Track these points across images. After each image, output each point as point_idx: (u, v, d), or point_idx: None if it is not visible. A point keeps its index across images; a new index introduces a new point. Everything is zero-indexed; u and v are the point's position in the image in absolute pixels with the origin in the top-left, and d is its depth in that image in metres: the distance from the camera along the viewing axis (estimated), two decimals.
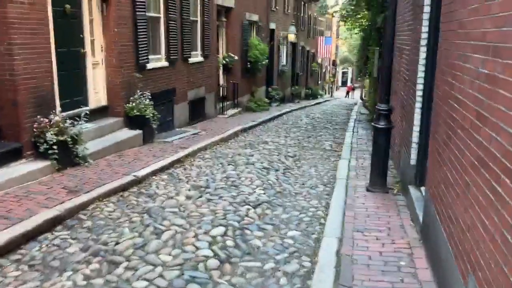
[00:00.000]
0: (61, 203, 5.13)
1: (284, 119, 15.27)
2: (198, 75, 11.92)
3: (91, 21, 7.91)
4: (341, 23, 36.40)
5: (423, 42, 5.03)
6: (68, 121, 6.55)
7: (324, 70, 42.24)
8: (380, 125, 5.68)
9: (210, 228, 4.68)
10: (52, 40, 6.77)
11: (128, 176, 6.39)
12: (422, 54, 5.04)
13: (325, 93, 41.49)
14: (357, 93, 43.79)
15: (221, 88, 14.04)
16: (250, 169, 7.23)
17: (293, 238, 4.56)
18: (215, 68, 13.16)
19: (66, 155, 6.43)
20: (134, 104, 8.51)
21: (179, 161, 7.68)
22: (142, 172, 6.65)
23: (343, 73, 59.93)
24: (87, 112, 7.03)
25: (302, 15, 28.15)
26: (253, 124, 12.72)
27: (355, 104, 26.35)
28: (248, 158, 8.04)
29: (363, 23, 14.51)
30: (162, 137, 9.43)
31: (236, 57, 14.59)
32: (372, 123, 5.85)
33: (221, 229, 4.65)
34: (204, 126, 11.46)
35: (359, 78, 35.53)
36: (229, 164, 7.57)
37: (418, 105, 5.19)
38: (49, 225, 4.70)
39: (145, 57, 9.01)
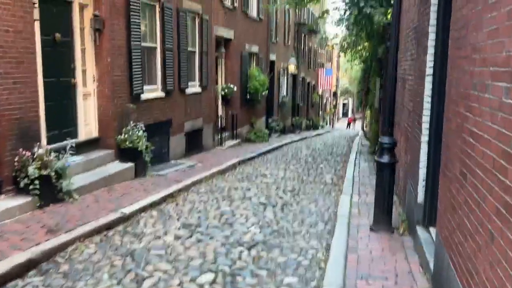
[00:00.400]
0: (37, 244, 4.67)
1: (284, 150, 14.88)
2: (195, 106, 11.62)
3: (83, 51, 7.64)
4: (342, 54, 36.56)
5: (429, 70, 4.67)
6: (53, 154, 6.17)
7: (325, 101, 42.18)
8: (384, 160, 5.26)
9: (197, 275, 4.21)
10: (39, 70, 6.47)
11: (114, 212, 5.95)
12: (428, 84, 4.68)
13: (326, 124, 41.29)
14: (358, 124, 43.61)
15: (219, 119, 13.72)
16: (246, 205, 6.78)
17: (290, 286, 4.08)
18: (214, 98, 12.88)
19: (49, 191, 6.01)
20: (126, 135, 8.15)
21: (171, 196, 7.24)
22: (130, 209, 6.21)
23: (344, 104, 60.00)
24: (73, 144, 6.64)
25: (302, 47, 28.19)
26: (252, 155, 12.32)
27: (357, 135, 26.02)
28: (245, 193, 7.60)
29: (364, 54, 14.31)
30: (156, 169, 9.01)
31: (235, 88, 14.34)
32: (375, 158, 5.45)
33: (210, 276, 4.18)
34: (201, 158, 11.06)
35: (359, 109, 35.36)
36: (224, 199, 7.13)
37: (424, 138, 4.79)
38: (21, 270, 4.24)
39: (139, 88, 8.70)
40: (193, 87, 11.59)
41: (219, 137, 13.35)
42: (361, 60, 14.86)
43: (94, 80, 7.89)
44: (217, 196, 7.35)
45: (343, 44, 17.46)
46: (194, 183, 8.27)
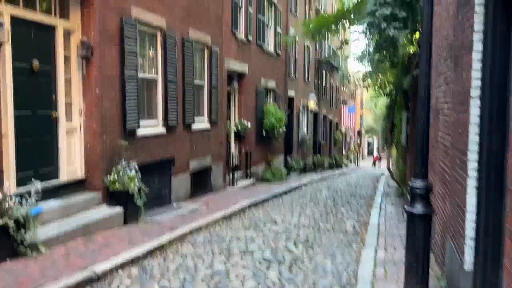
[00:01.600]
0: None
1: (302, 191, 13.59)
2: (203, 143, 10.59)
3: (68, 81, 6.76)
4: (365, 90, 35.51)
5: (474, 92, 3.49)
6: (16, 199, 5.14)
7: (348, 140, 40.80)
8: (416, 210, 3.99)
9: None
10: (9, 101, 5.57)
11: (83, 271, 4.82)
12: (474, 110, 3.48)
13: (351, 163, 39.74)
14: (383, 163, 41.84)
15: (231, 157, 12.65)
16: (246, 262, 5.53)
17: None
18: (224, 135, 11.86)
19: (7, 244, 4.94)
20: (116, 176, 7.11)
21: (160, 248, 6.08)
22: (104, 266, 5.07)
23: (369, 143, 58.35)
24: (39, 189, 5.59)
25: (324, 84, 27.27)
26: (265, 197, 11.10)
27: (382, 174, 24.45)
28: (248, 245, 6.36)
29: (387, 86, 13.15)
30: (152, 214, 7.89)
31: (249, 124, 13.31)
32: (405, 207, 4.18)
33: None
34: (208, 200, 9.90)
35: (385, 148, 33.84)
36: (221, 253, 5.90)
37: (471, 182, 3.54)
38: None
39: (134, 122, 7.73)
40: (201, 123, 10.60)
41: (231, 176, 12.22)
42: (385, 93, 13.67)
43: (80, 114, 6.96)
44: (214, 249, 6.13)
45: (365, 79, 16.43)
46: (191, 231, 7.10)
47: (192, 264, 5.44)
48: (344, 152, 36.71)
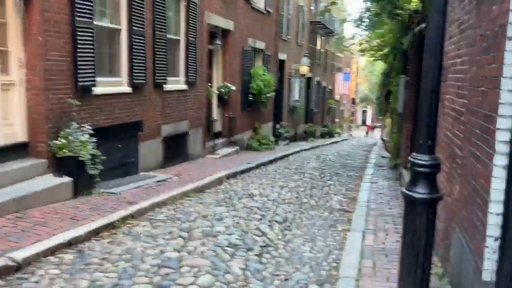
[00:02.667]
0: None
1: (289, 160, 12.61)
2: (178, 106, 9.48)
3: (2, 25, 5.58)
4: (361, 58, 34.24)
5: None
6: None
7: (342, 108, 39.70)
8: (419, 194, 2.99)
9: None
10: None
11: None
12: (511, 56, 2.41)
13: (343, 132, 38.80)
14: (377, 133, 40.98)
15: (213, 123, 11.57)
16: (206, 248, 4.54)
17: None
18: (204, 98, 10.73)
19: None
20: (65, 141, 6.04)
21: (110, 227, 5.09)
22: (28, 252, 4.08)
23: (363, 111, 57.28)
24: None
25: (318, 48, 25.90)
26: (248, 167, 10.11)
27: (375, 144, 23.53)
28: (213, 225, 5.36)
29: (385, 50, 11.98)
30: (112, 185, 6.87)
31: (233, 87, 12.17)
32: (403, 190, 3.15)
33: None
34: (182, 170, 8.89)
35: (379, 117, 32.85)
36: (179, 236, 4.91)
37: (500, 160, 2.52)
38: None
39: (89, 78, 6.59)
40: (176, 84, 9.45)
41: (212, 144, 11.17)
42: (381, 57, 12.52)
43: (21, 66, 5.82)
44: (173, 230, 5.14)
45: (361, 43, 15.21)
46: (154, 206, 6.11)
47: (141, 249, 4.45)
48: (337, 121, 35.68)
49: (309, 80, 23.31)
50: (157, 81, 8.50)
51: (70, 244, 4.52)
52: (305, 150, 16.22)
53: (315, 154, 14.98)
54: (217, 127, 12.18)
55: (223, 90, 11.93)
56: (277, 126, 17.54)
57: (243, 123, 13.64)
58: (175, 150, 9.47)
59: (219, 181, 8.38)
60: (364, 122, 53.45)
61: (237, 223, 5.46)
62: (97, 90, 6.86)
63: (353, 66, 43.20)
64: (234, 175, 9.18)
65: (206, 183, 7.86)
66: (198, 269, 3.96)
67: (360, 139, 32.52)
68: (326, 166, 11.50)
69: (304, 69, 19.52)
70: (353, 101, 45.64)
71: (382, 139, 11.23)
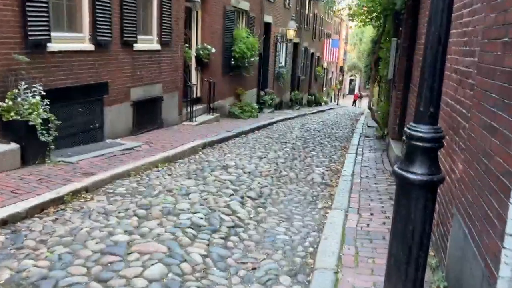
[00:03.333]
0: None
1: (272, 129, 11.96)
2: (151, 68, 8.67)
3: None
4: (350, 23, 33.19)
5: None
6: None
7: (330, 76, 38.86)
8: (415, 173, 2.35)
9: None
10: None
11: None
12: None
13: (331, 101, 38.14)
14: (364, 102, 40.39)
15: (191, 88, 10.78)
16: (164, 229, 3.91)
17: None
18: (181, 61, 9.90)
19: None
20: (12, 103, 5.28)
21: (59, 201, 4.42)
22: None
23: (351, 80, 56.46)
24: None
25: (306, 13, 24.85)
26: (227, 135, 9.44)
27: (362, 113, 22.98)
28: (178, 201, 4.73)
29: (375, 13, 11.15)
30: (70, 153, 6.17)
31: (213, 50, 11.32)
32: (394, 168, 2.50)
33: None
34: (154, 137, 8.18)
35: (367, 86, 32.20)
36: (135, 214, 4.27)
37: None
38: None
39: (42, 33, 5.76)
40: (148, 43, 8.61)
41: (189, 110, 10.42)
42: (371, 20, 11.71)
43: None
44: (131, 206, 4.49)
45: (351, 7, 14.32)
46: (113, 178, 5.43)
47: (88, 230, 3.80)
48: (324, 89, 34.95)
49: (296, 45, 22.40)
50: (125, 39, 7.66)
51: (5, 222, 3.86)
52: (290, 118, 15.57)
53: (300, 123, 14.33)
54: (196, 92, 11.40)
55: (202, 52, 11.09)
56: (262, 93, 16.80)
57: (225, 89, 12.87)
58: (147, 116, 8.73)
59: (193, 151, 7.71)
60: (351, 91, 52.74)
61: (205, 199, 4.82)
62: (53, 46, 6.03)
63: (342, 33, 42.10)
64: (211, 144, 8.52)
65: (178, 152, 7.18)
66: (150, 256, 3.33)
67: (347, 108, 31.92)
68: (310, 136, 10.88)
69: (291, 34, 18.60)
70: (341, 70, 44.77)
71: (370, 108, 10.61)
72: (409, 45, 7.07)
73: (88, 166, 5.70)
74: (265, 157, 7.50)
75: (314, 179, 6.33)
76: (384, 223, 4.15)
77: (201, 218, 4.20)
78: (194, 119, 10.49)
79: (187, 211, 4.36)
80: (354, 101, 40.45)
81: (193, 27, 11.16)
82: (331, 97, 39.26)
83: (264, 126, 12.26)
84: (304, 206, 4.99)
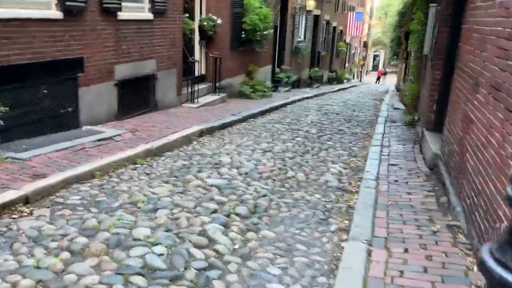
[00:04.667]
0: None
1: (285, 111, 10.58)
2: (141, 41, 7.35)
3: None
4: None
5: None
6: None
7: (353, 52, 36.82)
8: None
9: None
10: None
11: None
12: None
13: (353, 78, 36.22)
14: (389, 79, 38.35)
15: (194, 65, 9.44)
16: (98, 278, 2.63)
17: None
18: (179, 32, 8.52)
19: None
20: None
21: None
22: None
23: (375, 56, 53.97)
24: None
25: None
26: (231, 120, 8.15)
27: (386, 92, 21.27)
28: (137, 221, 3.45)
29: None
30: (26, 146, 4.97)
31: (219, 21, 9.89)
32: (484, 257, 1.17)
33: None
34: (142, 123, 6.94)
35: (392, 62, 30.22)
36: (67, 249, 3.01)
37: None
38: None
39: None
40: (136, 11, 7.27)
41: (191, 90, 9.10)
42: None
43: None
44: (70, 230, 3.25)
45: None
46: (68, 182, 4.21)
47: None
48: (347, 65, 33.05)
49: (316, 18, 20.65)
50: (106, 5, 6.33)
51: None
52: (307, 98, 14.10)
53: (318, 103, 12.87)
54: (200, 69, 10.06)
55: (206, 24, 9.69)
56: (277, 70, 15.32)
57: (234, 66, 11.47)
58: (137, 98, 7.47)
59: (187, 140, 6.45)
60: (375, 68, 50.40)
61: (176, 219, 3.54)
62: (2, 12, 4.76)
63: (367, 6, 39.74)
64: (210, 131, 7.23)
65: (165, 143, 5.92)
66: None
67: (371, 85, 30.07)
68: (328, 120, 9.46)
69: (311, 4, 16.91)
70: (365, 45, 42.52)
71: (398, 89, 9.03)
72: (454, 12, 5.54)
73: (41, 165, 4.49)
74: (270, 150, 6.16)
75: (328, 182, 4.98)
76: (425, 269, 2.81)
77: (161, 254, 2.93)
78: (196, 100, 9.18)
79: (143, 242, 3.09)
80: (378, 78, 38.42)
81: None
82: (354, 74, 37.31)
83: (277, 108, 10.87)
84: (312, 228, 3.67)
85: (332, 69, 26.43)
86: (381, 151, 6.25)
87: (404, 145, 6.69)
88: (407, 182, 4.74)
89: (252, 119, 9.01)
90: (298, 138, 7.15)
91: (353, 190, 4.76)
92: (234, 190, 4.33)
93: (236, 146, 6.33)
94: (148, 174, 4.84)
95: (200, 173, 4.80)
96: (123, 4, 6.76)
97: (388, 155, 6.03)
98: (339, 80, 27.06)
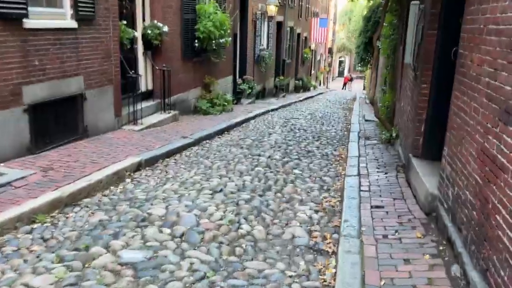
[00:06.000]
0: None
1: (248, 128, 9.28)
2: (62, 54, 5.87)
3: None
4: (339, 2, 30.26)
5: None
6: None
7: (318, 58, 35.99)
8: None
9: None
10: None
11: None
12: None
13: (320, 84, 35.39)
14: (355, 84, 37.74)
15: (137, 80, 8.00)
16: None
17: None
18: (115, 43, 7.07)
19: None
20: None
21: None
22: None
23: (340, 62, 53.55)
24: None
25: None
26: (181, 144, 6.81)
27: (354, 99, 20.34)
28: None
29: None
30: None
31: (165, 28, 8.49)
32: None
33: None
34: (63, 156, 5.46)
35: (358, 68, 29.49)
36: None
37: None
38: None
39: None
40: (52, 17, 5.80)
41: (133, 109, 7.65)
42: None
43: None
44: None
45: None
46: None
47: None
48: (313, 72, 32.15)
49: (280, 25, 19.53)
50: (5, 10, 4.85)
51: None
52: (272, 110, 12.85)
53: (284, 116, 11.63)
54: (145, 84, 8.63)
55: (150, 32, 8.27)
56: (239, 81, 14.01)
57: (188, 79, 10.08)
58: (59, 124, 5.97)
59: (117, 178, 5.05)
60: (341, 73, 49.91)
61: None
62: None
63: (331, 11, 39.08)
64: (151, 161, 5.86)
65: (83, 187, 4.49)
66: None
67: (338, 92, 29.24)
68: (294, 139, 8.19)
69: (272, 10, 15.72)
70: (330, 51, 41.86)
71: (372, 103, 7.84)
72: (445, 10, 4.37)
73: None
74: (221, 190, 4.80)
75: (295, 238, 3.67)
76: None
77: None
78: (139, 122, 7.73)
79: None
80: (345, 84, 37.78)
81: None
82: (320, 81, 36.50)
83: (237, 124, 9.56)
84: None
85: (298, 77, 25.41)
86: (360, 183, 5.00)
87: (386, 173, 5.47)
88: (400, 239, 3.47)
89: (207, 140, 7.66)
90: (259, 168, 5.82)
91: (329, 250, 3.47)
92: (157, 272, 2.94)
93: (180, 185, 4.95)
94: (46, 240, 3.43)
95: (115, 240, 3.38)
96: (31, 9, 5.28)
97: (369, 189, 4.78)
98: (306, 88, 26.08)
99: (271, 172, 5.68)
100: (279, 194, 4.81)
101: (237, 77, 14.08)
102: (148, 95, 8.67)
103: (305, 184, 5.29)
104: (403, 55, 6.75)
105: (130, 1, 8.04)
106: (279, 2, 17.49)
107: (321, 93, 25.24)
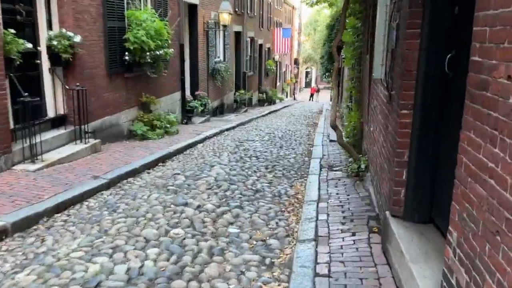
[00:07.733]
0: None
1: (190, 157, 7.55)
2: None
3: None
4: (303, 14, 29.17)
5: None
6: None
7: (284, 70, 34.65)
8: None
9: None
10: None
11: None
12: None
13: (286, 96, 34.03)
14: (322, 95, 36.64)
15: (43, 103, 6.16)
16: None
17: None
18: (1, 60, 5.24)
19: None
20: None
21: None
22: None
23: (307, 73, 52.52)
24: None
25: None
26: (83, 191, 5.03)
27: (320, 112, 18.97)
28: None
29: None
30: None
31: (77, 38, 6.69)
32: None
33: None
34: None
35: (324, 79, 28.30)
36: None
37: None
38: None
39: None
40: None
41: (29, 143, 5.78)
42: None
43: None
44: None
45: None
46: None
47: None
48: (278, 84, 30.74)
49: (238, 35, 17.96)
50: None
51: None
52: (227, 130, 11.19)
53: (238, 138, 9.94)
54: (55, 109, 6.79)
55: (57, 43, 6.45)
56: (189, 98, 12.28)
57: (117, 98, 8.29)
58: None
59: None
60: (308, 84, 48.83)
61: None
62: None
63: (295, 22, 37.94)
64: (28, 223, 4.05)
65: None
66: None
67: (304, 104, 27.88)
68: (242, 172, 6.49)
69: (225, 19, 14.10)
70: (296, 62, 40.66)
71: (334, 127, 6.21)
72: (432, 4, 2.80)
73: None
74: (105, 280, 3.03)
75: None
76: None
77: None
78: (38, 158, 5.88)
79: None
80: (312, 95, 36.62)
81: (40, 1, 6.48)
82: (287, 93, 35.15)
83: (179, 151, 7.83)
84: None
85: (262, 89, 23.90)
86: (316, 257, 3.33)
87: (354, 233, 3.81)
88: None
89: (130, 179, 5.91)
90: (176, 231, 4.06)
91: None
92: None
93: (43, 271, 3.16)
94: None
95: None
96: None
97: (329, 272, 3.11)
98: (271, 101, 24.62)
99: (193, 237, 3.93)
100: (193, 285, 3.09)
101: (188, 93, 12.35)
102: (59, 122, 6.83)
103: (240, 254, 3.60)
104: (371, 66, 5.21)
105: (29, 4, 6.21)
106: (236, 11, 15.94)
107: (287, 106, 23.79)
